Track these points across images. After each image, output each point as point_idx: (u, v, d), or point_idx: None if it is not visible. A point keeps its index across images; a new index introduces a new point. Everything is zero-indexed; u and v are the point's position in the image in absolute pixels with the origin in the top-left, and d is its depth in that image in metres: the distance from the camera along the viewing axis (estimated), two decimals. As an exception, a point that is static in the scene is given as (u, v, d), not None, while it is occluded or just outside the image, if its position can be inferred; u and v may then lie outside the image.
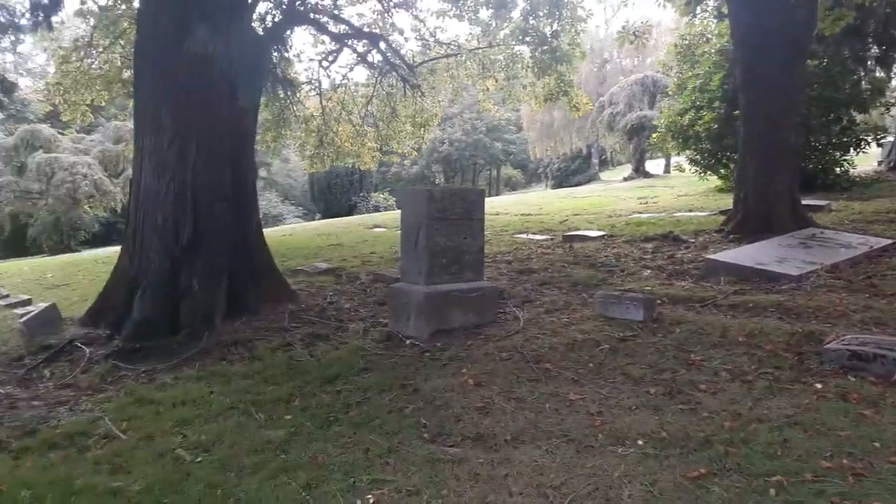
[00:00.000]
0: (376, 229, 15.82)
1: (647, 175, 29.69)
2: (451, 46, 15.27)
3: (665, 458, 3.40)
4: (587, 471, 3.31)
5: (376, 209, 34.85)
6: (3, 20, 9.28)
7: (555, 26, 13.40)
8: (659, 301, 6.14)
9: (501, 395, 4.40)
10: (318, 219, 32.32)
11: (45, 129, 30.19)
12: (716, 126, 14.56)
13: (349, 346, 5.86)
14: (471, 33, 15.65)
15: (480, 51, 15.10)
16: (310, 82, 16.05)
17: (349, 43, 14.11)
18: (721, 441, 3.50)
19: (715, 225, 10.02)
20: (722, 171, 15.66)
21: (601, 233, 10.46)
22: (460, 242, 6.10)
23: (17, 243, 35.92)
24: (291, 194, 50.63)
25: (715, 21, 16.51)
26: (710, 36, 16.85)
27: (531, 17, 13.30)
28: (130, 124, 28.38)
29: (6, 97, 8.91)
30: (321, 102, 16.12)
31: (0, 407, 5.17)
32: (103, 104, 16.84)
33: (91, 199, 28.58)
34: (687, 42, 17.53)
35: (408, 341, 5.74)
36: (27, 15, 9.67)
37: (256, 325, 6.72)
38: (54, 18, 9.98)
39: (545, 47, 13.29)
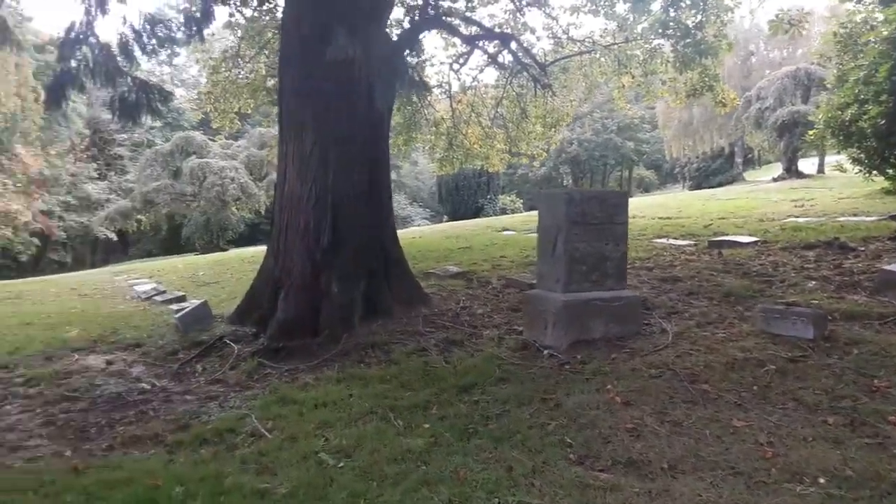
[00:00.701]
0: (505, 232, 15.63)
1: (799, 175, 27.33)
2: (585, 43, 14.77)
3: (853, 501, 2.99)
4: (762, 511, 2.93)
5: (503, 211, 34.70)
6: (161, 34, 9.96)
7: (699, 17, 12.62)
8: (830, 317, 5.49)
9: (653, 416, 4.05)
10: (446, 221, 32.73)
11: (198, 136, 32.73)
12: (883, 122, 13.01)
13: (484, 353, 5.69)
14: (606, 28, 15.07)
15: (616, 46, 14.48)
16: (440, 85, 16.17)
17: (480, 44, 14.04)
18: (920, 484, 3.01)
19: (887, 231, 8.94)
20: (890, 171, 14.01)
21: (753, 238, 9.63)
22: (601, 248, 5.76)
23: (172, 241, 39.38)
24: (419, 196, 51.74)
25: (880, 7, 14.82)
26: (874, 23, 15.15)
27: (672, 9, 12.59)
28: (273, 130, 30.21)
29: (163, 106, 9.51)
30: (451, 105, 16.16)
31: (156, 400, 5.47)
32: (249, 111, 17.89)
33: (238, 201, 30.62)
34: (848, 30, 15.87)
35: (545, 351, 5.49)
36: (182, 28, 10.34)
37: (391, 327, 6.72)
38: (206, 31, 10.68)
39: (688, 40, 12.51)
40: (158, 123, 39.99)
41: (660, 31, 12.94)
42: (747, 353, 4.91)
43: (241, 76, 14.93)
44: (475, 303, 7.64)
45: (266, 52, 14.19)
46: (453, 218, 33.29)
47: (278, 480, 3.63)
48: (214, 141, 32.87)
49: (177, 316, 7.66)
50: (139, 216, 31.23)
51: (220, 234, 32.04)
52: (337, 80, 6.97)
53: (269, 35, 13.80)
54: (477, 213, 34.18)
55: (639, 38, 14.04)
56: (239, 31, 14.12)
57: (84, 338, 7.53)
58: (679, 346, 5.28)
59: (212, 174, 29.50)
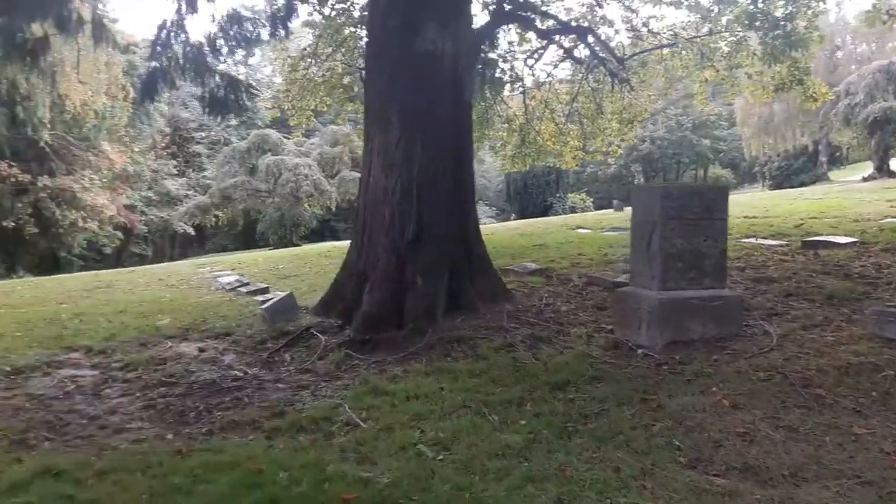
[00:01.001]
0: (579, 230, 15.37)
1: (892, 174, 25.81)
2: (666, 36, 14.33)
3: None
4: (900, 525, 2.72)
5: (573, 210, 34.13)
6: (247, 31, 10.26)
7: (789, 8, 12.12)
8: (950, 322, 5.10)
9: (766, 421, 3.85)
10: (514, 219, 32.46)
11: (273, 134, 33.59)
12: None
13: (574, 351, 5.57)
14: (689, 21, 14.60)
15: (699, 39, 13.99)
16: (513, 81, 16.00)
17: (556, 38, 13.82)
18: None
19: None
20: None
21: (850, 239, 9.11)
22: (699, 245, 5.54)
23: (247, 236, 40.60)
24: (485, 195, 51.51)
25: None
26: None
27: (760, 0, 12.16)
28: (346, 128, 30.64)
29: (250, 102, 9.75)
30: (524, 101, 15.96)
31: (250, 387, 5.56)
32: (325, 109, 18.16)
33: (310, 198, 31.26)
34: (948, 21, 14.83)
35: (639, 351, 5.32)
36: (266, 25, 10.62)
37: (475, 322, 6.66)
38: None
39: (777, 32, 12.02)
40: (235, 122, 41.25)
41: (746, 22, 12.52)
42: (861, 358, 4.62)
43: (318, 74, 15.13)
44: (558, 300, 7.50)
45: (342, 49, 14.37)
46: (521, 216, 32.99)
47: (379, 470, 3.62)
48: (289, 139, 33.69)
49: (263, 307, 7.82)
50: (216, 212, 32.28)
51: (293, 230, 32.78)
52: (424, 72, 6.96)
53: (346, 33, 13.98)
54: (545, 211, 33.73)
55: (723, 30, 13.56)
56: (317, 30, 14.34)
57: (175, 326, 7.78)
58: (785, 348, 5.02)
59: (286, 171, 30.22)
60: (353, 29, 13.97)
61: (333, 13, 13.65)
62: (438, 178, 7.15)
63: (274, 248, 27.98)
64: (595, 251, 11.00)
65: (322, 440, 4.21)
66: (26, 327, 8.24)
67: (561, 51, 14.60)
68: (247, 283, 10.62)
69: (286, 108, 16.23)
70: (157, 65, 9.59)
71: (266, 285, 10.23)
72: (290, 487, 3.46)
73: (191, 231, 38.06)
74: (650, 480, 3.27)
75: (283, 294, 8.04)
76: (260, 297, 9.14)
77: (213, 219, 32.97)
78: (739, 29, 13.10)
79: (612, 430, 3.91)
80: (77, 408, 5.23)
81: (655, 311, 5.31)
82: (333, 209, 33.93)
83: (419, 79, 6.97)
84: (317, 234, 36.40)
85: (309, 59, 14.84)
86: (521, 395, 4.66)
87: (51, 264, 30.23)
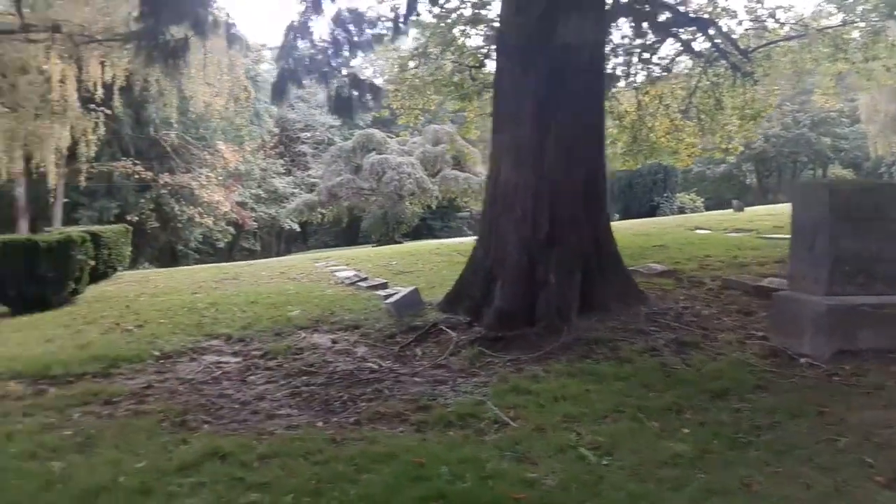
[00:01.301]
0: (698, 231, 14.73)
1: None
2: (794, 27, 13.48)
3: None
4: None
5: (681, 210, 32.72)
6: (370, 34, 10.47)
7: (936, -6, 11.19)
8: None
9: (965, 441, 3.47)
10: (617, 219, 31.57)
11: (377, 133, 34.20)
12: None
13: (728, 358, 5.27)
14: (820, 10, 13.70)
15: (831, 30, 13.11)
16: (626, 76, 15.50)
17: (673, 31, 13.28)
18: None
19: None
20: None
21: None
22: (869, 247, 5.11)
23: (350, 234, 41.68)
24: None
25: None
26: None
27: (900, -13, 11.30)
28: (447, 127, 30.75)
29: (374, 102, 9.91)
30: (637, 97, 15.45)
31: (387, 380, 5.59)
32: (432, 108, 18.26)
33: (412, 196, 31.59)
34: None
35: (802, 360, 4.96)
36: (387, 23, 10.76)
37: (611, 324, 6.44)
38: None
39: (921, 21, 11.11)
40: (338, 122, 42.38)
41: (885, 11, 11.68)
42: None
43: (427, 73, 15.23)
44: (696, 303, 7.16)
45: (451, 49, 14.40)
46: (625, 216, 32.00)
47: (542, 471, 3.53)
48: (392, 137, 34.22)
49: (389, 301, 7.91)
50: (322, 209, 33.21)
51: (395, 228, 33.25)
52: (561, 65, 6.80)
53: (455, 32, 14.00)
54: (652, 211, 32.48)
55: (858, 19, 12.66)
56: (427, 30, 14.43)
57: (306, 317, 8.00)
58: (977, 363, 4.55)
59: (390, 169, 30.62)
60: (463, 28, 13.98)
61: (444, 12, 13.71)
62: (571, 174, 6.99)
63: (376, 245, 28.48)
64: (723, 253, 10.49)
65: (473, 436, 4.15)
66: (167, 315, 8.73)
67: (678, 44, 14.04)
68: (365, 278, 10.81)
69: (395, 107, 16.43)
70: (286, 66, 9.96)
71: (384, 280, 10.37)
72: (455, 482, 3.42)
73: (296, 227, 39.40)
74: (846, 499, 3.02)
75: (406, 289, 8.11)
76: (381, 292, 9.27)
77: (319, 216, 33.93)
78: (876, 17, 12.25)
79: (791, 443, 3.65)
80: (227, 393, 5.43)
81: (822, 317, 4.94)
82: (433, 207, 34.18)
83: (555, 72, 6.82)
84: (415, 232, 36.80)
85: (418, 59, 14.98)
86: (678, 402, 4.44)
87: (169, 257, 32.18)
